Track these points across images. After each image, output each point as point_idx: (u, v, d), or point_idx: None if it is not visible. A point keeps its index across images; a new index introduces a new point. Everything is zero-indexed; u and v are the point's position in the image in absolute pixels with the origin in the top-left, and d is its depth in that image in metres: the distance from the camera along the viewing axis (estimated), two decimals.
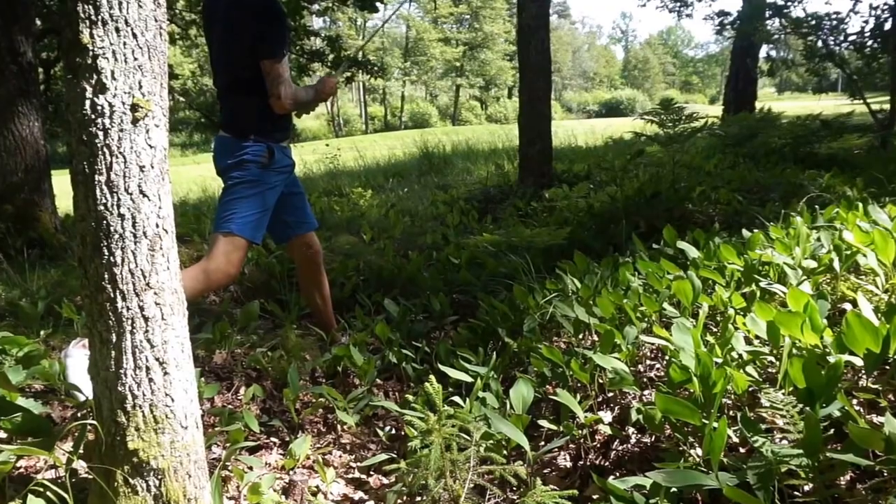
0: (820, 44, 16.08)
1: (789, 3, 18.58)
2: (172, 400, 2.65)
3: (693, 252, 5.30)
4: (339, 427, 4.14)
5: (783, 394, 3.01)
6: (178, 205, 15.22)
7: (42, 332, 5.32)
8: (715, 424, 2.70)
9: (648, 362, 4.22)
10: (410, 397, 3.59)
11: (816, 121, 13.18)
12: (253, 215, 4.77)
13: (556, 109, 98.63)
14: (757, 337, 3.82)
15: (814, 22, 15.90)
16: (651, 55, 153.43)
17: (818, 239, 5.23)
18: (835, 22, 15.76)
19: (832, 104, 29.15)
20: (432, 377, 3.06)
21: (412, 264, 7.01)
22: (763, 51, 26.44)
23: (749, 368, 3.51)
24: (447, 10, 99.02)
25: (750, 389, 3.38)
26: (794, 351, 3.44)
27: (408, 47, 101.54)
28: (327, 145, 21.62)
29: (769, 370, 3.69)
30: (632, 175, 10.66)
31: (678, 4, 29.34)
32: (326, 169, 20.34)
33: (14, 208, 9.06)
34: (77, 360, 4.13)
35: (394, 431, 4.11)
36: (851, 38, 15.74)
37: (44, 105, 10.57)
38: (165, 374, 2.62)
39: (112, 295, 2.52)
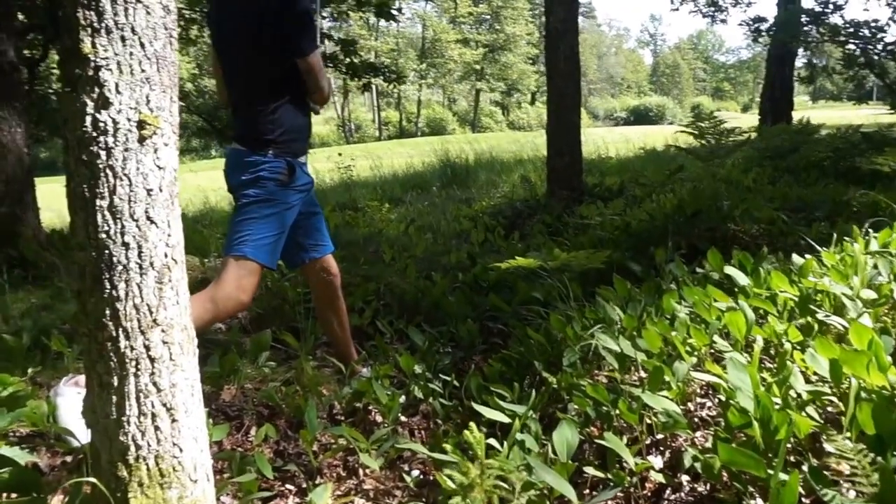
0: (858, 52, 16.05)
1: (827, 11, 18.55)
2: (181, 450, 2.53)
3: (742, 279, 5.14)
4: (361, 471, 3.98)
5: (850, 439, 2.89)
6: None
7: (30, 370, 5.15)
8: (783, 476, 2.57)
9: (699, 400, 4.07)
10: (448, 447, 3.43)
11: (857, 133, 13.10)
12: (269, 238, 4.59)
13: (583, 116, 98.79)
14: (815, 373, 3.68)
15: (852, 30, 15.88)
16: (681, 60, 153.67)
17: (875, 266, 5.09)
18: (873, 30, 15.73)
19: (870, 114, 29.09)
20: (473, 425, 2.92)
21: (437, 287, 6.87)
22: (799, 58, 26.39)
23: (809, 409, 3.38)
24: (466, 9, 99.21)
25: (812, 432, 3.23)
26: (862, 393, 3.30)
27: (424, 48, 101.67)
28: (340, 154, 21.49)
29: (828, 409, 3.57)
30: (668, 189, 10.55)
31: (712, 9, 29.36)
32: (340, 179, 20.28)
33: None
34: (69, 400, 3.96)
35: (422, 476, 3.93)
36: (890, 47, 15.70)
37: (27, 107, 10.36)
38: (173, 421, 2.50)
39: (114, 333, 2.39)
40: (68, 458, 3.89)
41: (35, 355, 5.43)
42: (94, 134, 2.30)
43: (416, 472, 3.96)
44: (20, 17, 12.40)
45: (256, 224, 4.55)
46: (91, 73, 2.27)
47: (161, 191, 2.41)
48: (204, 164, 49.29)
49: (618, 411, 3.62)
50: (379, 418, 4.58)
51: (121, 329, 2.38)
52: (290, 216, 4.72)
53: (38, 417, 4.02)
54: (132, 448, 2.44)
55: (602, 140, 22.37)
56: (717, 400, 3.95)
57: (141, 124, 2.33)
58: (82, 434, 2.82)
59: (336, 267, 5.24)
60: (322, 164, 21.64)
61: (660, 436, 3.68)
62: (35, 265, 8.68)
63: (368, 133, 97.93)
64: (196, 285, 6.29)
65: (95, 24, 2.26)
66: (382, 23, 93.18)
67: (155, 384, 2.45)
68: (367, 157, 23.21)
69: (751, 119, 34.04)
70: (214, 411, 4.65)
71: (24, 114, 9.28)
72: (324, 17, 17.40)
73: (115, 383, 2.42)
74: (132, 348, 2.40)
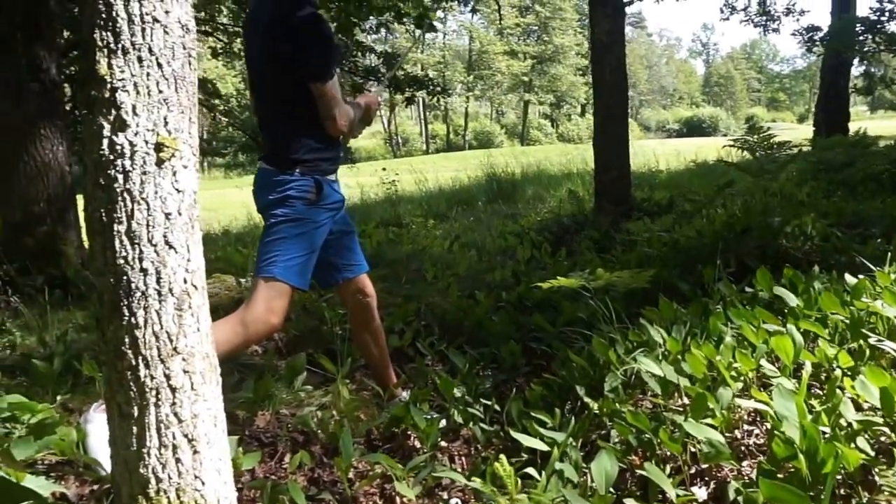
0: None
1: (882, 19, 18.38)
2: (203, 483, 2.49)
3: (792, 300, 5.04)
4: (397, 499, 3.91)
5: None
6: (219, 235, 15.17)
7: (59, 397, 5.10)
8: None
9: (746, 427, 3.98)
10: (478, 480, 3.37)
11: None
12: (298, 258, 4.54)
13: (633, 128, 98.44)
14: (866, 401, 3.59)
15: None
16: (733, 70, 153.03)
17: None
18: None
19: None
20: (503, 457, 2.86)
21: (480, 308, 6.83)
22: (855, 66, 26.14)
23: (860, 440, 3.28)
24: (513, 21, 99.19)
25: (862, 464, 3.15)
26: None
27: (471, 61, 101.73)
28: (384, 169, 21.50)
29: (881, 439, 3.47)
30: (718, 205, 10.46)
31: (764, 19, 29.18)
32: (385, 194, 20.32)
33: (35, 242, 8.80)
34: (99, 426, 3.92)
35: None
36: None
37: (70, 125, 10.37)
38: (195, 452, 2.46)
39: (133, 362, 2.36)
40: (97, 487, 3.87)
41: (67, 380, 5.39)
42: (112, 157, 2.27)
43: (454, 501, 3.87)
44: (65, 33, 12.49)
45: (285, 244, 4.52)
46: (108, 94, 2.25)
47: (180, 214, 2.38)
48: (249, 178, 49.41)
49: (659, 440, 3.55)
50: (417, 443, 4.53)
51: (140, 357, 2.35)
52: (319, 235, 4.67)
53: (67, 445, 3.97)
54: (153, 480, 2.40)
55: (653, 153, 22.30)
56: (764, 427, 3.86)
57: (159, 147, 2.30)
58: (109, 462, 2.79)
59: (371, 287, 5.17)
60: (367, 179, 21.68)
61: (704, 465, 3.61)
62: (76, 284, 8.63)
63: (416, 146, 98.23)
64: (233, 305, 6.28)
65: (112, 45, 2.23)
66: (429, 35, 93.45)
67: (176, 414, 2.41)
68: (413, 171, 23.23)
69: (807, 130, 33.86)
70: (248, 438, 4.62)
71: (66, 131, 9.30)
72: (363, 31, 17.47)
73: (136, 413, 2.39)
74: (152, 377, 2.37)
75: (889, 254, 5.80)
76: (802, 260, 6.77)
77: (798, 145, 10.87)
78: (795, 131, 49.17)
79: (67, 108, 10.19)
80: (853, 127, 22.97)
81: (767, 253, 7.02)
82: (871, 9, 20.40)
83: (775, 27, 29.62)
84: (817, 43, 23.97)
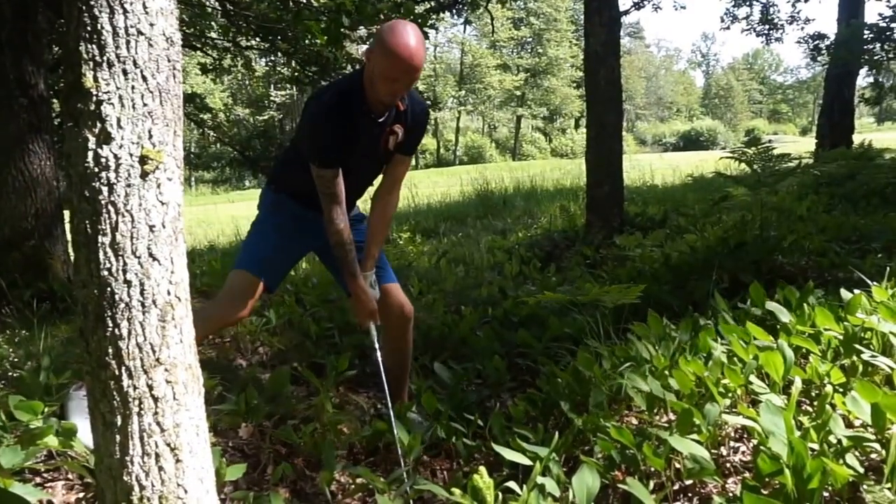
0: None
1: (892, 26, 18.31)
2: (185, 491, 2.57)
3: (784, 316, 5.10)
4: None
5: (890, 489, 2.89)
6: (204, 251, 15.16)
7: (45, 409, 5.18)
8: None
9: (732, 444, 4.05)
10: (457, 491, 3.45)
11: None
12: (251, 249, 5.05)
13: (629, 142, 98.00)
14: (857, 418, 3.66)
15: None
16: (734, 81, 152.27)
17: None
18: None
19: None
20: (482, 469, 2.95)
21: (465, 323, 6.90)
22: (862, 76, 25.93)
23: (849, 457, 3.32)
24: (507, 34, 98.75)
25: (850, 481, 3.22)
26: None
27: (462, 75, 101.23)
28: (373, 185, 21.44)
29: (871, 456, 3.53)
30: (713, 219, 10.49)
31: (766, 28, 29.02)
32: None
33: (23, 256, 8.92)
34: (77, 403, 4.47)
35: None
36: None
37: (59, 140, 10.50)
38: (178, 461, 2.55)
39: (117, 372, 2.44)
40: (83, 494, 3.97)
41: (53, 391, 5.47)
42: (96, 169, 2.35)
43: None
44: (55, 48, 12.63)
45: (245, 242, 5.18)
46: (93, 107, 2.33)
47: (164, 227, 2.46)
48: (238, 195, 49.24)
49: (643, 455, 3.62)
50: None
51: (123, 368, 2.43)
52: (274, 234, 5.11)
53: (57, 443, 4.09)
54: (136, 488, 2.48)
55: (648, 167, 22.28)
56: (751, 444, 3.92)
57: (143, 159, 2.39)
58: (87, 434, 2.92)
59: (402, 301, 5.29)
60: None
61: (688, 481, 3.68)
62: (63, 299, 8.78)
63: None
64: None
65: (97, 58, 2.32)
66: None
67: (158, 424, 2.49)
68: (402, 186, 23.15)
69: (809, 142, 33.74)
70: (231, 449, 4.71)
71: (55, 146, 9.42)
72: (353, 42, 17.48)
73: (119, 423, 2.46)
74: (135, 387, 2.44)
75: (888, 269, 5.84)
76: (798, 275, 6.80)
77: (799, 157, 10.87)
78: (797, 144, 49.02)
79: (56, 122, 10.28)
80: (858, 139, 22.85)
81: (762, 269, 7.05)
82: (880, 15, 20.22)
83: (778, 36, 29.45)
84: (823, 52, 23.86)
